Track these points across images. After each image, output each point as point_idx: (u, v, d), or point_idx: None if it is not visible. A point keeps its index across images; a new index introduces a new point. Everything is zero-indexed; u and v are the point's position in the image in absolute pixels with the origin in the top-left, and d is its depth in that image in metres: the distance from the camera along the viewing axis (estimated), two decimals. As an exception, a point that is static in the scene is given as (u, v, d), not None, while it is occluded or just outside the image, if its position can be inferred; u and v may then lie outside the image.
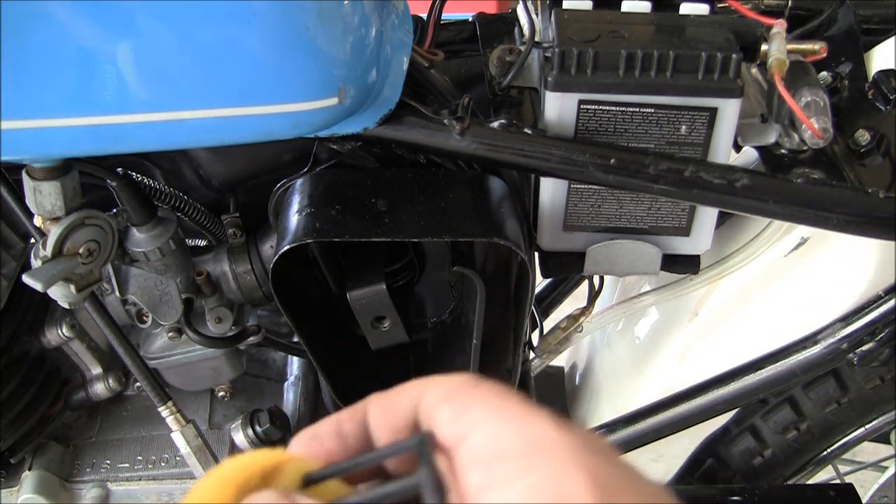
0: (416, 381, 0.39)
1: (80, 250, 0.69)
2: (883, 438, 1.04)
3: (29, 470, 0.91)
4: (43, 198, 0.67)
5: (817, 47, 0.71)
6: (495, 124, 0.66)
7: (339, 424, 0.40)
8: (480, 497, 0.33)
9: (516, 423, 0.34)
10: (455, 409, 0.36)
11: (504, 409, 0.35)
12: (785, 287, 0.85)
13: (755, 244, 0.84)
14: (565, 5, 0.75)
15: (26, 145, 0.58)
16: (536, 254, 0.78)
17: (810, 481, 1.04)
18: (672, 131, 0.68)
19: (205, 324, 0.86)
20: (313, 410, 1.03)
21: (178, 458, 0.93)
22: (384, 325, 0.79)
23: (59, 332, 0.87)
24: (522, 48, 0.75)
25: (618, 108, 0.66)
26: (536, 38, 0.74)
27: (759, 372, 0.84)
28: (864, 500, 0.95)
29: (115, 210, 0.78)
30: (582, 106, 0.66)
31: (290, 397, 1.03)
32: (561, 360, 1.15)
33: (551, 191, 0.72)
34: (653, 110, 0.66)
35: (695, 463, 1.00)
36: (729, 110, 0.66)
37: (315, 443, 0.39)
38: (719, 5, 0.77)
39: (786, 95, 0.66)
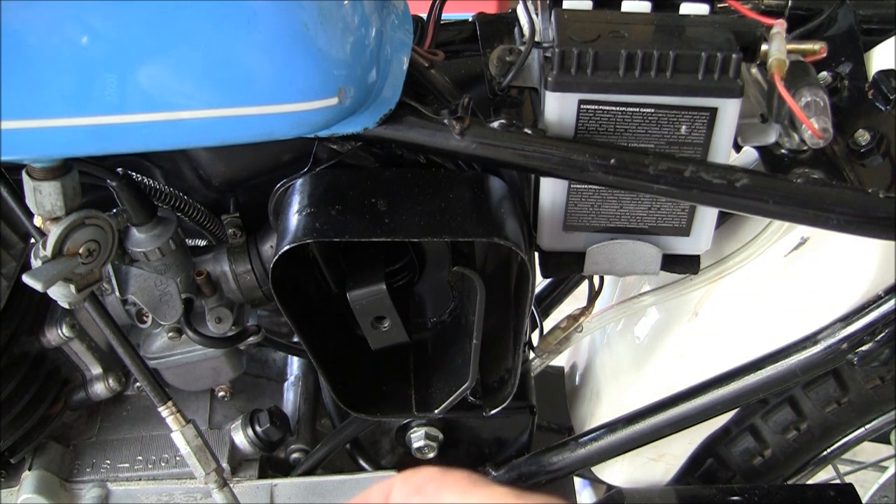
0: (384, 481, 0.40)
1: (80, 250, 0.69)
2: (883, 438, 1.03)
3: (29, 470, 0.91)
4: (43, 198, 0.67)
5: (817, 47, 0.71)
6: (495, 124, 0.66)
7: None
8: None
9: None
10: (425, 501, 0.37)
11: (472, 492, 0.36)
12: (785, 287, 0.85)
13: (755, 244, 0.84)
14: (565, 5, 0.75)
15: (26, 145, 0.58)
16: (536, 254, 0.78)
17: (810, 481, 1.04)
18: (672, 131, 0.68)
19: (205, 324, 0.86)
20: (313, 410, 1.03)
21: (178, 458, 0.93)
22: (384, 325, 0.79)
23: (59, 332, 0.87)
24: (522, 48, 0.76)
25: (618, 108, 0.66)
26: (536, 38, 0.74)
27: (759, 372, 0.83)
28: (864, 500, 0.95)
29: (115, 210, 0.78)
30: (582, 106, 0.66)
31: (290, 397, 1.03)
32: (561, 360, 1.15)
33: (551, 191, 0.72)
34: (653, 110, 0.66)
35: (695, 463, 1.00)
36: (729, 110, 0.66)
37: None
38: (719, 5, 0.77)
39: (786, 95, 0.66)
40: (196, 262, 0.85)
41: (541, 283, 1.17)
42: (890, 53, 0.79)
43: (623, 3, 0.74)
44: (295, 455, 0.99)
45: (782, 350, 0.83)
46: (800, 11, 0.82)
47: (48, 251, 0.67)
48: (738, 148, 0.74)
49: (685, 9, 0.74)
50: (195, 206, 0.85)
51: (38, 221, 0.69)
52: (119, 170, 0.77)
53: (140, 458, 0.94)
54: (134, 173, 0.81)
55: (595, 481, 1.10)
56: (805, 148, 0.71)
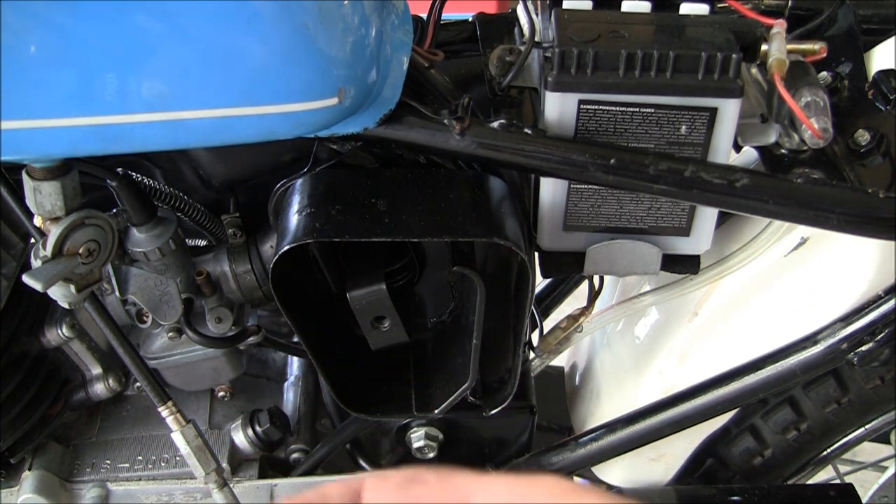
0: (345, 480, 0.36)
1: (80, 250, 0.69)
2: (883, 438, 1.03)
3: (29, 470, 0.91)
4: (43, 198, 0.67)
5: (817, 47, 0.71)
6: (495, 124, 0.66)
7: None
8: None
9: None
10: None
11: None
12: (785, 287, 0.85)
13: (755, 244, 0.84)
14: (565, 5, 0.75)
15: (26, 145, 0.58)
16: (536, 254, 0.78)
17: (810, 481, 1.04)
18: (672, 131, 0.68)
19: (205, 324, 0.86)
20: (313, 410, 1.03)
21: (178, 458, 0.93)
22: (384, 325, 0.79)
23: (59, 332, 0.87)
24: (522, 48, 0.75)
25: (618, 108, 0.66)
26: (536, 38, 0.74)
27: (759, 372, 0.83)
28: (864, 500, 0.95)
29: (115, 210, 0.78)
30: (582, 106, 0.66)
31: (290, 397, 1.03)
32: (561, 360, 1.15)
33: (551, 191, 0.72)
34: (653, 110, 0.66)
35: (695, 463, 1.00)
36: (729, 110, 0.66)
37: None
38: (719, 5, 0.77)
39: (786, 95, 0.66)
40: (196, 262, 0.85)
41: (541, 283, 1.17)
42: (890, 53, 0.79)
43: (623, 3, 0.74)
44: (295, 455, 0.99)
45: (782, 350, 0.83)
46: (800, 11, 0.82)
47: (48, 251, 0.67)
48: (738, 148, 0.74)
49: (685, 9, 0.74)
50: (195, 206, 0.85)
51: (38, 221, 0.69)
52: (119, 170, 0.77)
53: (140, 458, 0.94)
54: (134, 173, 0.81)
55: (595, 481, 1.10)
56: (805, 148, 0.71)
